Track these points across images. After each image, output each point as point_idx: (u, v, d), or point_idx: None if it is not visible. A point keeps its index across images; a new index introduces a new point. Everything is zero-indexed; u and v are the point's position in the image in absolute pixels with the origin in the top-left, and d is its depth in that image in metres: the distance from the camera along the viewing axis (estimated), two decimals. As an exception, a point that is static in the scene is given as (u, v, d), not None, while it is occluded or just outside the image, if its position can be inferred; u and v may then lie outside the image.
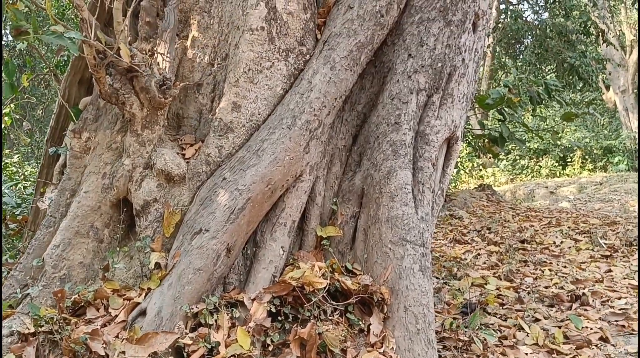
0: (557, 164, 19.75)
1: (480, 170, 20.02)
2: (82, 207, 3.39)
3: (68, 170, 3.60)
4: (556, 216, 8.81)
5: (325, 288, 3.07)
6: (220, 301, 3.03)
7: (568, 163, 19.46)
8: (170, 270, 3.03)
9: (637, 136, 16.18)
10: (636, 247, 6.10)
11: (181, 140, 3.50)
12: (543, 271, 5.39)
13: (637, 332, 3.47)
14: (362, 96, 3.81)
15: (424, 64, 3.62)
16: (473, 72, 3.78)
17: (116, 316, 3.02)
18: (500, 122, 6.88)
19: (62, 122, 4.32)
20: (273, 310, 3.02)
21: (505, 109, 6.62)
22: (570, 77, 13.68)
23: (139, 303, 3.02)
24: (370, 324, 3.14)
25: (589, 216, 8.79)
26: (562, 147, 19.24)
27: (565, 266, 5.56)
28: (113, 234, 3.45)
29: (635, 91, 19.68)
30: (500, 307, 4.42)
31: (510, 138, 6.98)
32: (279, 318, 3.05)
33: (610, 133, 22.17)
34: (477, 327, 3.71)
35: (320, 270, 3.17)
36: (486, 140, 7.34)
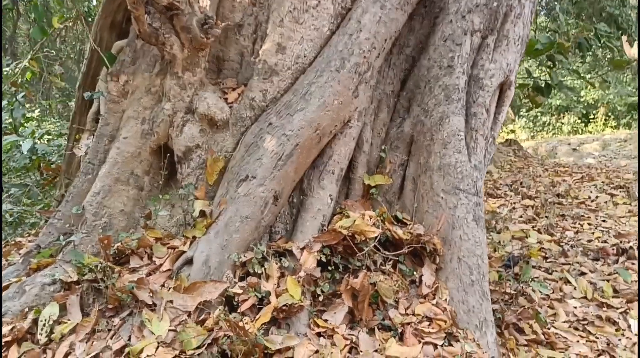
0: (579, 121, 19.32)
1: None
2: (122, 153, 3.27)
3: (105, 115, 3.46)
4: (586, 171, 8.60)
5: (377, 237, 2.95)
6: (268, 250, 2.92)
7: (591, 120, 19.04)
8: (217, 218, 2.91)
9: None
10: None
11: (223, 84, 3.35)
12: (582, 225, 5.24)
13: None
14: (411, 38, 3.61)
15: (478, 3, 3.39)
16: (529, 12, 3.54)
17: (161, 265, 2.92)
18: (549, 69, 6.60)
19: (94, 68, 4.15)
20: (323, 259, 2.91)
21: (555, 55, 6.36)
22: (610, 28, 13.14)
23: (184, 252, 2.92)
24: (422, 275, 3.02)
25: (620, 172, 8.57)
26: (585, 104, 18.80)
27: (604, 221, 5.40)
28: (154, 181, 3.33)
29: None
30: (544, 260, 4.30)
31: (560, 86, 6.71)
32: (329, 268, 2.95)
33: (635, 90, 21.57)
34: (529, 280, 3.58)
35: (370, 218, 3.03)
36: (530, 89, 7.08)
